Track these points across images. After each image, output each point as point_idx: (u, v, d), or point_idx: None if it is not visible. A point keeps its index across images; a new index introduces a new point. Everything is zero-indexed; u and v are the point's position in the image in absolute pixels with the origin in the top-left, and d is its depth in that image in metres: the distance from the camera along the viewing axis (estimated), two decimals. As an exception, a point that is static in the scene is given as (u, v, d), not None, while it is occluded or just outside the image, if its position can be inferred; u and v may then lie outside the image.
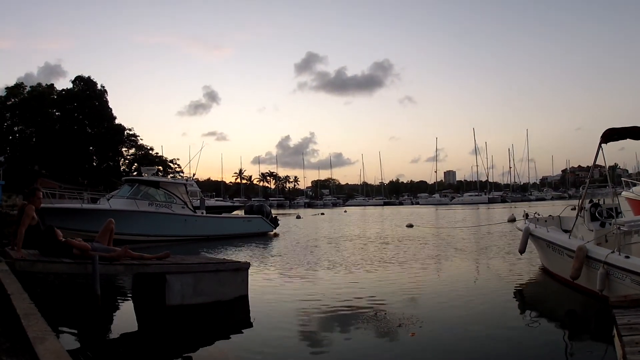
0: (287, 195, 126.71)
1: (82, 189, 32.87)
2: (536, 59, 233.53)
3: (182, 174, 55.38)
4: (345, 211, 63.37)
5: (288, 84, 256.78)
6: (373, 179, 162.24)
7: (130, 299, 8.20)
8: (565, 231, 9.85)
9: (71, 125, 60.37)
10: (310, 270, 11.30)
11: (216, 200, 58.26)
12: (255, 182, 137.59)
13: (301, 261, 12.96)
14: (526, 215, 11.52)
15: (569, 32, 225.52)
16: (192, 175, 42.30)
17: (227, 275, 7.68)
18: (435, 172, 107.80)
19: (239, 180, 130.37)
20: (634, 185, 17.15)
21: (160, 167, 59.08)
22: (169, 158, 70.59)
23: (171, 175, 61.00)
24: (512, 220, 24.71)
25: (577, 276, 7.44)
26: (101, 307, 6.56)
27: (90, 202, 21.71)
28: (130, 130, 66.18)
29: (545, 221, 10.91)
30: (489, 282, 9.41)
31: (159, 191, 20.33)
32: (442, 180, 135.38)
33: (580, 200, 9.05)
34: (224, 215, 27.61)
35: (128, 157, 67.94)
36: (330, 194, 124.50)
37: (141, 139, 67.95)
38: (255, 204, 28.71)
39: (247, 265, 8.23)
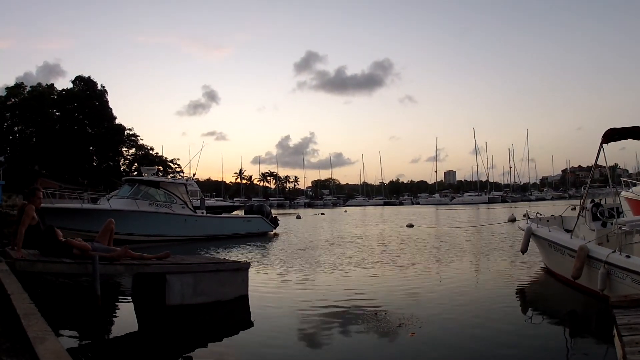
0: (287, 195, 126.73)
1: (82, 189, 32.85)
2: (536, 58, 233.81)
3: (182, 174, 55.45)
4: (346, 211, 63.37)
5: (287, 83, 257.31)
6: (373, 179, 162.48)
7: (130, 299, 8.19)
8: (567, 231, 9.86)
9: (71, 125, 60.43)
10: (311, 270, 11.29)
11: (216, 200, 58.24)
12: (255, 182, 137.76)
13: (301, 261, 12.95)
14: (527, 215, 11.53)
15: (569, 32, 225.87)
16: (192, 175, 42.39)
17: (227, 275, 7.68)
18: (436, 172, 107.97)
19: (239, 180, 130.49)
20: (634, 185, 17.14)
21: (160, 167, 59.09)
22: (169, 158, 70.75)
23: (171, 175, 61.03)
24: (513, 220, 24.71)
25: (578, 276, 7.45)
26: (101, 307, 6.56)
27: (90, 202, 21.70)
28: (130, 130, 66.34)
29: (547, 221, 10.93)
30: (490, 282, 9.40)
31: (159, 191, 20.34)
32: (442, 180, 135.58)
33: (582, 200, 9.05)
34: (224, 215, 27.61)
35: (128, 157, 68.05)
36: (330, 194, 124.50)
37: (141, 139, 68.12)
38: (255, 204, 28.71)
39: (247, 265, 8.23)
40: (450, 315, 6.75)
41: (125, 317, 7.22)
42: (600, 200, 9.33)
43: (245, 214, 25.50)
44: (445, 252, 14.22)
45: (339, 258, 13.33)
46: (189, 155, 67.04)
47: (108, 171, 59.14)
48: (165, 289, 6.93)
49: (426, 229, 24.90)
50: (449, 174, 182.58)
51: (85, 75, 62.52)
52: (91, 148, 61.91)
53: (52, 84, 65.42)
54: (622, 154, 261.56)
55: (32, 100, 56.70)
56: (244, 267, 8.10)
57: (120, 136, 64.08)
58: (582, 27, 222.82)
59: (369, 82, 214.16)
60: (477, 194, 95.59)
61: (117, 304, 8.04)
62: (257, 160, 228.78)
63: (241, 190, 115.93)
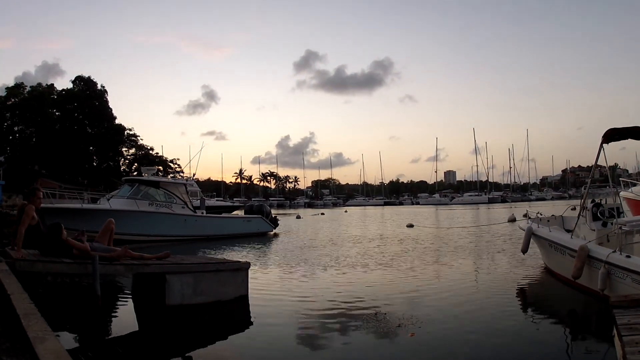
0: (287, 195, 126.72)
1: (82, 189, 32.84)
2: (537, 58, 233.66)
3: (182, 174, 55.45)
4: (346, 211, 63.39)
5: (287, 83, 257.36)
6: (373, 179, 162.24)
7: (130, 299, 8.19)
8: (568, 231, 9.86)
9: (71, 125, 60.43)
10: (310, 270, 11.29)
11: (216, 200, 58.26)
12: (255, 182, 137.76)
13: (301, 261, 12.95)
14: (527, 215, 11.53)
15: (570, 31, 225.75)
16: (192, 175, 42.38)
17: (227, 275, 7.68)
18: (436, 172, 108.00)
19: (239, 180, 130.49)
20: (633, 185, 17.16)
21: (160, 167, 59.10)
22: (169, 158, 70.75)
23: (171, 175, 61.04)
24: (513, 220, 24.72)
25: (578, 276, 7.45)
26: (101, 307, 6.56)
27: (90, 202, 21.70)
28: (130, 130, 66.34)
29: (548, 221, 10.94)
30: (490, 282, 9.40)
31: (159, 191, 20.34)
32: (442, 180, 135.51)
33: (582, 200, 9.06)
34: (223, 215, 27.63)
35: (128, 157, 68.04)
36: (330, 194, 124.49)
37: (141, 139, 68.11)
38: (255, 204, 28.71)
39: (247, 265, 8.23)
40: (450, 316, 6.75)
41: (125, 317, 7.22)
42: (600, 200, 9.34)
43: (245, 214, 25.50)
44: (445, 252, 14.22)
45: (339, 258, 13.33)
46: (189, 155, 67.12)
47: (108, 171, 59.13)
48: (165, 289, 6.93)
49: (426, 229, 24.91)
50: (449, 174, 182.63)
51: (85, 75, 62.61)
52: (91, 148, 61.91)
53: (52, 84, 65.52)
54: (623, 154, 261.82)
55: (32, 100, 56.69)
56: (244, 267, 8.10)
57: (120, 136, 64.09)
58: (583, 27, 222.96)
59: (369, 81, 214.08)
60: (477, 194, 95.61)
61: (117, 304, 8.04)
62: (257, 160, 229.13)
63: (241, 190, 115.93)
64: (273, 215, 25.17)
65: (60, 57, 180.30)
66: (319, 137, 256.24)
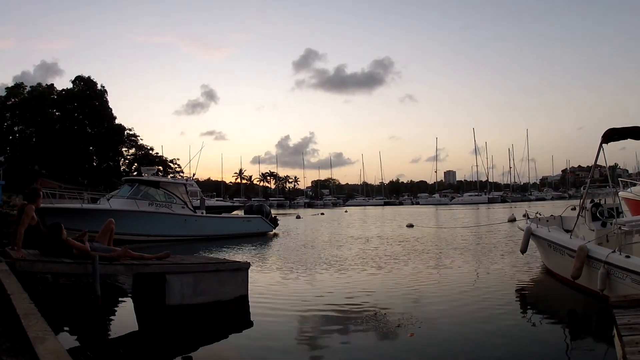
0: (287, 195, 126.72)
1: (82, 189, 32.85)
2: (537, 58, 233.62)
3: (182, 174, 55.42)
4: (346, 211, 63.39)
5: (286, 82, 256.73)
6: (373, 179, 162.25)
7: (130, 299, 8.20)
8: (567, 231, 9.85)
9: (71, 125, 60.42)
10: (310, 271, 11.30)
11: (216, 200, 58.26)
12: (255, 182, 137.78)
13: (301, 261, 12.96)
14: (527, 215, 11.53)
15: (570, 31, 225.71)
16: (192, 175, 42.35)
17: (227, 275, 7.68)
18: (436, 172, 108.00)
19: (239, 180, 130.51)
20: (632, 185, 17.15)
21: (160, 167, 59.10)
22: (169, 158, 70.74)
23: (171, 175, 61.03)
24: (512, 220, 24.72)
25: (578, 276, 7.45)
26: (101, 307, 6.56)
27: (90, 202, 21.71)
28: (130, 130, 66.33)
29: (547, 221, 10.93)
30: (489, 282, 9.39)
31: (159, 191, 20.35)
32: (442, 180, 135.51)
33: (582, 200, 9.05)
34: (223, 215, 27.63)
35: (128, 157, 68.02)
36: (330, 194, 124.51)
37: (141, 139, 68.10)
38: (255, 204, 28.72)
39: (247, 265, 8.24)
40: (450, 316, 6.75)
41: (125, 317, 7.22)
42: (599, 200, 9.33)
43: (245, 214, 25.51)
44: (444, 252, 14.22)
45: (339, 258, 13.33)
46: (188, 155, 67.27)
47: (108, 171, 59.11)
48: (165, 289, 6.93)
49: (426, 229, 24.90)
50: (449, 174, 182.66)
51: (85, 75, 62.58)
52: (91, 148, 61.89)
53: (52, 84, 65.49)
54: (623, 153, 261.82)
55: (32, 100, 56.68)
56: (244, 267, 8.11)
57: (120, 136, 64.07)
58: (583, 27, 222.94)
59: (369, 80, 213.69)
60: (476, 194, 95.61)
61: (117, 304, 8.04)
62: (257, 160, 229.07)
63: (241, 190, 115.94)
64: (273, 215, 25.17)
65: (60, 57, 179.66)
66: (319, 137, 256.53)
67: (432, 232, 22.86)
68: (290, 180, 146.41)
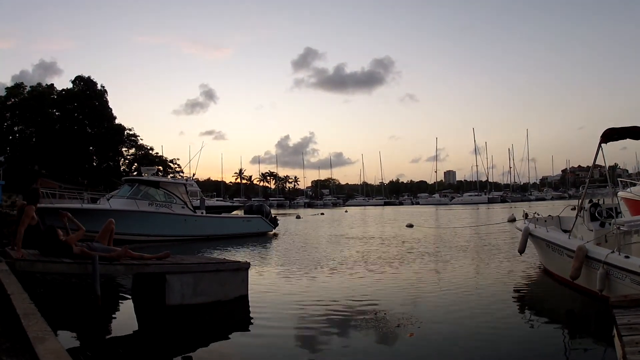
0: (287, 195, 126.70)
1: (82, 189, 32.84)
2: (537, 58, 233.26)
3: (182, 174, 55.42)
4: (346, 211, 63.39)
5: (286, 82, 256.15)
6: (373, 178, 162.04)
7: (130, 299, 8.20)
8: (565, 231, 9.85)
9: (71, 125, 60.38)
10: (310, 271, 11.30)
11: (216, 200, 58.26)
12: (255, 182, 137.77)
13: (301, 261, 12.96)
14: (526, 215, 11.52)
15: (570, 31, 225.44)
16: (192, 175, 42.35)
17: (227, 275, 7.69)
18: (436, 172, 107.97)
19: (239, 180, 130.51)
20: (632, 185, 17.16)
21: (160, 167, 59.09)
22: (169, 158, 70.74)
23: (171, 175, 61.04)
24: (512, 220, 24.71)
25: (576, 276, 7.45)
26: (101, 307, 6.56)
27: (90, 202, 21.70)
28: (130, 130, 66.31)
29: (545, 221, 10.91)
30: (489, 282, 9.40)
31: (159, 191, 20.35)
32: (442, 180, 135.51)
33: (580, 200, 9.05)
34: (223, 215, 27.63)
35: (128, 157, 67.97)
36: (330, 194, 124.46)
37: (141, 139, 68.04)
38: (255, 204, 28.72)
39: (247, 265, 8.24)
40: (449, 316, 6.76)
41: (125, 317, 7.23)
42: (598, 200, 9.32)
43: (245, 214, 25.53)
44: (444, 252, 14.23)
45: (339, 258, 13.34)
46: (188, 155, 67.33)
47: (108, 171, 59.07)
48: (165, 289, 6.94)
49: (426, 229, 24.91)
50: (449, 174, 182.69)
51: (85, 75, 62.56)
52: (91, 148, 61.84)
53: (52, 84, 65.45)
54: (623, 153, 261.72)
55: (32, 100, 56.66)
56: (244, 267, 8.11)
57: (120, 136, 64.03)
58: (584, 26, 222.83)
59: (369, 80, 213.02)
60: (476, 194, 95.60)
61: (117, 304, 8.05)
62: (257, 160, 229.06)
63: (241, 190, 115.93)
64: (273, 215, 25.18)
65: (60, 57, 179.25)
66: (319, 137, 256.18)
67: (432, 232, 22.87)
68: (290, 180, 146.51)
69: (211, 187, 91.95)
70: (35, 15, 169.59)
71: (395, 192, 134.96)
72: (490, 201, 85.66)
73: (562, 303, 7.81)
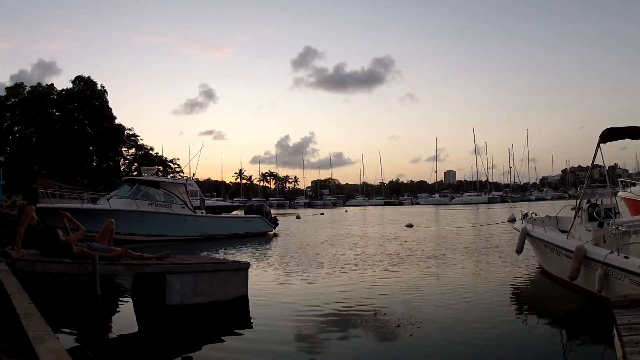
0: (287, 195, 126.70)
1: (82, 189, 32.85)
2: (537, 58, 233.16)
3: (182, 174, 55.43)
4: (346, 211, 63.42)
5: (285, 81, 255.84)
6: (373, 178, 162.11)
7: (130, 299, 8.20)
8: (562, 231, 9.84)
9: (71, 125, 60.38)
10: (310, 271, 11.30)
11: (216, 200, 58.26)
12: (255, 182, 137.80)
13: (301, 261, 12.97)
14: (525, 215, 11.50)
15: (571, 31, 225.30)
16: (192, 175, 42.36)
17: (227, 275, 7.69)
18: (436, 172, 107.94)
19: (239, 180, 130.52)
20: (632, 185, 17.16)
21: (160, 167, 59.11)
22: (169, 158, 70.74)
23: (171, 175, 61.04)
24: (512, 220, 24.70)
25: (575, 277, 7.43)
26: (101, 307, 6.57)
27: (90, 202, 21.71)
28: (130, 130, 66.32)
29: (542, 221, 10.89)
30: (488, 283, 9.40)
31: (158, 191, 20.36)
32: (442, 180, 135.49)
33: (578, 201, 9.03)
34: (223, 215, 27.64)
35: (128, 157, 67.97)
36: (330, 194, 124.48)
37: (141, 139, 68.04)
38: (255, 204, 28.73)
39: (247, 265, 8.25)
40: (448, 316, 6.76)
41: (125, 317, 7.23)
42: (596, 200, 9.29)
43: (245, 214, 25.53)
44: (444, 252, 14.23)
45: (339, 258, 13.34)
46: (188, 155, 67.44)
47: (108, 171, 59.07)
48: (165, 289, 6.94)
49: (426, 229, 24.92)
50: (449, 174, 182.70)
51: (84, 74, 62.55)
52: (91, 148, 61.83)
53: (52, 84, 65.46)
54: (623, 153, 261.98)
55: (32, 100, 56.66)
56: (244, 267, 8.12)
57: (120, 136, 64.03)
58: (584, 26, 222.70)
59: (369, 79, 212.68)
60: (476, 194, 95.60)
61: (117, 304, 8.05)
62: (257, 160, 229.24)
63: (241, 190, 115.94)
64: (273, 215, 25.19)
65: (59, 57, 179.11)
66: (319, 137, 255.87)
67: (432, 232, 22.87)
68: (290, 180, 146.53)
69: (211, 187, 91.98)
70: (35, 15, 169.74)
71: (395, 192, 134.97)
72: (490, 201, 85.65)
73: (561, 303, 7.80)
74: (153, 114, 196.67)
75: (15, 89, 58.76)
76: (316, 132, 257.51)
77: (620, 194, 16.54)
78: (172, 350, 5.52)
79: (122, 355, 5.39)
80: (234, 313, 7.32)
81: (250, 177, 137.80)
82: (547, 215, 11.88)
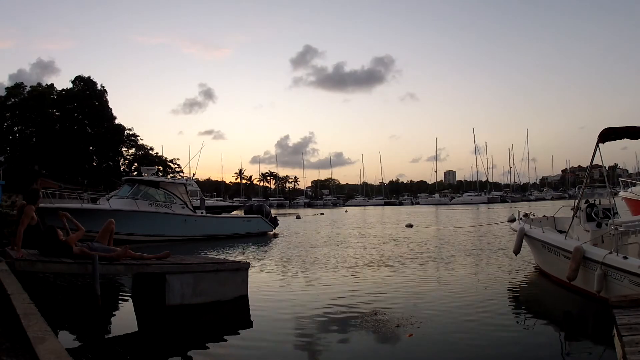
0: (287, 195, 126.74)
1: (82, 189, 32.86)
2: (537, 57, 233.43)
3: (182, 174, 55.45)
4: (346, 211, 63.41)
5: (285, 80, 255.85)
6: (373, 178, 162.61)
7: (130, 299, 8.21)
8: (560, 232, 9.82)
9: (71, 125, 60.42)
10: (310, 271, 11.31)
11: (216, 200, 58.28)
12: (255, 182, 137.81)
13: (301, 261, 12.97)
14: (525, 215, 11.48)
15: (571, 30, 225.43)
16: (192, 175, 42.35)
17: (227, 275, 7.70)
18: (436, 172, 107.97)
19: (238, 180, 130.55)
20: (633, 185, 17.17)
21: (160, 167, 59.14)
22: (169, 158, 70.77)
23: (171, 175, 61.06)
24: (513, 220, 24.66)
25: (573, 277, 7.42)
26: (101, 307, 6.57)
27: (90, 202, 21.71)
28: (130, 130, 66.35)
29: (540, 221, 10.86)
30: (487, 283, 9.39)
31: (158, 191, 20.36)
32: (442, 180, 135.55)
33: (577, 201, 9.01)
34: (223, 215, 27.64)
35: (128, 157, 68.04)
36: (330, 194, 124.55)
37: (141, 139, 68.14)
38: (255, 204, 28.74)
39: (247, 265, 8.25)
40: (448, 317, 6.77)
41: (125, 317, 7.24)
42: (594, 200, 9.27)
43: (244, 214, 25.54)
44: (443, 252, 14.24)
45: (338, 258, 13.35)
46: (188, 155, 67.51)
47: (108, 171, 59.09)
48: (165, 289, 6.94)
49: (425, 229, 24.92)
50: (449, 174, 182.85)
51: (84, 74, 62.58)
52: (91, 148, 61.88)
53: (52, 84, 65.51)
54: (623, 153, 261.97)
55: (32, 100, 56.70)
56: (244, 267, 8.12)
57: (120, 136, 64.08)
58: (585, 25, 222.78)
59: (369, 78, 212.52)
60: (476, 194, 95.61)
61: (117, 304, 8.06)
62: (257, 160, 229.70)
63: (241, 190, 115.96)
64: (273, 215, 25.19)
65: (59, 56, 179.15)
66: (319, 137, 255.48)
67: (431, 232, 22.87)
68: (290, 180, 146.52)
69: (211, 187, 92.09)
70: (34, 14, 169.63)
71: (395, 192, 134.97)
72: (490, 201, 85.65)
73: (560, 304, 7.80)
74: (152, 113, 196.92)
75: (15, 89, 58.80)
76: (316, 131, 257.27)
77: (622, 193, 16.55)
78: (172, 350, 5.53)
79: (122, 355, 5.40)
80: (234, 313, 7.33)
81: (250, 177, 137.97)
82: (544, 216, 11.86)
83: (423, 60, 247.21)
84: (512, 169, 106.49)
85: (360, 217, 45.22)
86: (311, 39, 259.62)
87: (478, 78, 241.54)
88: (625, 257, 6.58)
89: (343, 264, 12.14)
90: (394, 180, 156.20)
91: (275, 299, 8.15)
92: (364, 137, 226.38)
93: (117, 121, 64.14)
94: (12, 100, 57.62)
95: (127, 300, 8.31)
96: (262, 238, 21.60)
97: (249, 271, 8.26)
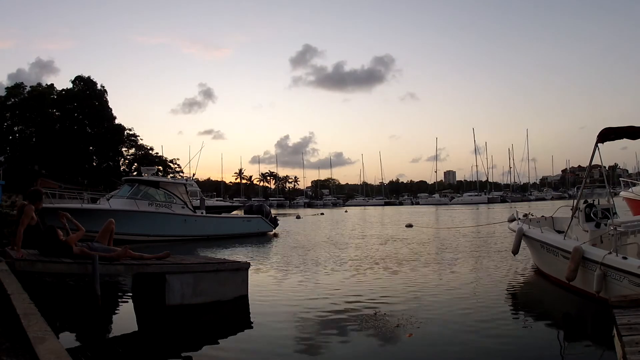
0: (287, 195, 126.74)
1: (82, 189, 32.85)
2: (537, 57, 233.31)
3: (182, 174, 55.45)
4: (346, 211, 63.42)
5: (284, 80, 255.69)
6: (373, 178, 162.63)
7: (130, 299, 8.21)
8: (558, 232, 9.81)
9: (71, 125, 60.43)
10: (310, 271, 11.31)
11: (216, 200, 58.28)
12: (255, 182, 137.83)
13: (301, 261, 12.97)
14: (525, 215, 11.47)
15: (571, 30, 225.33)
16: (192, 175, 42.36)
17: (227, 275, 7.70)
18: (436, 172, 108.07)
19: (238, 180, 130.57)
20: (633, 185, 17.18)
21: (160, 167, 59.13)
22: (169, 158, 70.78)
23: (171, 175, 61.06)
24: (513, 220, 24.67)
25: (572, 277, 7.41)
26: (101, 307, 6.57)
27: (90, 202, 21.71)
28: (130, 130, 66.34)
29: (538, 222, 10.85)
30: (487, 283, 9.39)
31: (158, 191, 20.36)
32: (442, 180, 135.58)
33: (576, 201, 9.00)
34: (223, 215, 27.65)
35: (128, 157, 68.04)
36: (330, 194, 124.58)
37: (141, 139, 68.14)
38: (255, 204, 28.75)
39: (247, 265, 8.25)
40: (448, 317, 6.76)
41: (125, 317, 7.24)
42: (593, 200, 9.26)
43: (244, 214, 25.54)
44: (443, 252, 14.24)
45: (338, 258, 13.34)
46: (188, 155, 67.57)
47: (108, 171, 59.08)
48: (165, 289, 6.95)
49: (425, 229, 24.92)
50: (449, 174, 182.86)
51: (83, 74, 62.62)
52: (91, 148, 61.88)
53: (52, 84, 65.51)
54: (623, 153, 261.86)
55: (32, 100, 56.69)
56: (244, 267, 8.12)
57: (120, 136, 64.08)
58: (585, 24, 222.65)
59: (369, 78, 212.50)
60: (476, 194, 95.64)
61: (117, 304, 8.06)
62: (256, 160, 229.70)
63: (241, 190, 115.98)
64: (273, 215, 25.20)
65: (58, 56, 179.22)
66: (319, 137, 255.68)
67: (431, 232, 22.88)
68: (290, 180, 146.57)
69: (211, 187, 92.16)
70: (34, 14, 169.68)
71: (395, 192, 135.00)
72: (490, 201, 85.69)
73: (559, 304, 7.79)
74: (152, 113, 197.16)
75: (15, 89, 58.79)
76: (316, 131, 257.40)
77: (622, 193, 16.56)
78: (172, 350, 5.53)
79: (122, 355, 5.40)
80: (234, 313, 7.33)
81: (250, 177, 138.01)
82: (542, 216, 11.85)
83: (423, 60, 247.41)
84: (512, 169, 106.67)
85: (360, 217, 45.21)
86: (311, 38, 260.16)
87: (478, 78, 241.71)
88: (624, 258, 6.58)
89: (343, 264, 12.13)
90: (394, 180, 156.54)
91: (275, 299, 8.15)
92: (364, 137, 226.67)
93: (117, 121, 64.22)
94: (12, 100, 57.61)
95: (127, 300, 8.31)
96: (262, 238, 21.60)
97: (249, 271, 8.26)
